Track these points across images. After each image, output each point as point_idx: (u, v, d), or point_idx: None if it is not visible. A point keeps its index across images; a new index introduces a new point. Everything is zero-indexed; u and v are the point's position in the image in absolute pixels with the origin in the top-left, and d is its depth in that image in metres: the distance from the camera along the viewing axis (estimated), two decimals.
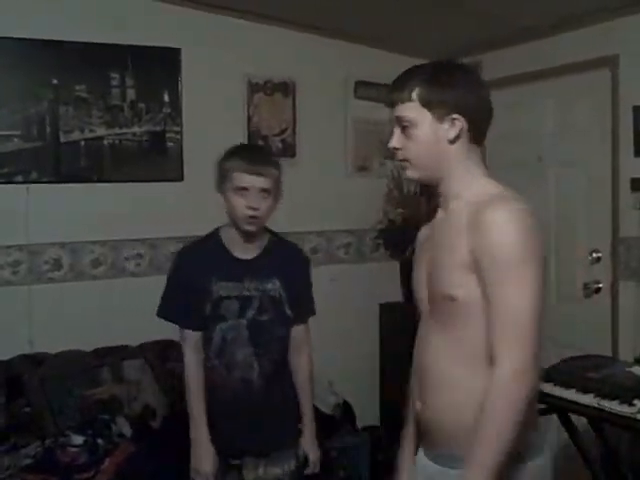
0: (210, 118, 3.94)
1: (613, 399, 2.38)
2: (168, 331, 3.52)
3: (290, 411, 2.53)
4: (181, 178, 3.90)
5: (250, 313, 2.39)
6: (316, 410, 3.62)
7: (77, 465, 3.07)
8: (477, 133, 1.70)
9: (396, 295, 4.48)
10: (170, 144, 3.88)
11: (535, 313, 1.53)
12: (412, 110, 1.68)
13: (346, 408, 3.99)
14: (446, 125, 1.66)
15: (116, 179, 3.76)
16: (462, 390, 1.64)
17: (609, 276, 3.51)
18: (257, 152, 2.47)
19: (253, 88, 4.12)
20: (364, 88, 4.45)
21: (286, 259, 2.49)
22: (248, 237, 2.41)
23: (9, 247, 3.53)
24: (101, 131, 3.71)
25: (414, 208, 4.30)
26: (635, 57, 3.32)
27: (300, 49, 4.20)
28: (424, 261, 1.78)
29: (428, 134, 1.68)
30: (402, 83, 1.70)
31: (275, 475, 2.46)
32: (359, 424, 4.10)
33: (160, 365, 3.55)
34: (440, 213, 1.78)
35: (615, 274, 3.48)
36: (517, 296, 1.53)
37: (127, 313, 3.65)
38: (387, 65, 4.41)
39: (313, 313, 2.60)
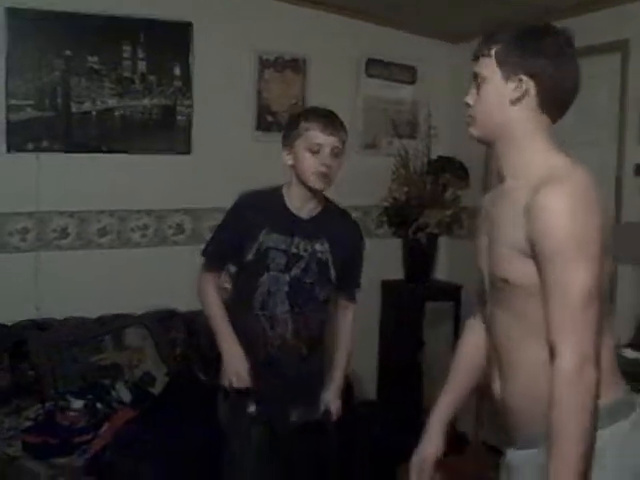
0: (220, 93, 3.99)
1: None
2: (170, 301, 3.67)
3: (322, 373, 2.65)
4: (189, 151, 3.96)
5: (295, 271, 2.47)
6: None
7: (76, 428, 3.19)
8: (548, 103, 1.63)
9: (398, 273, 4.55)
10: (180, 117, 3.94)
11: (593, 298, 1.49)
12: (487, 66, 1.66)
13: (344, 383, 4.07)
14: (512, 85, 1.62)
15: (125, 150, 3.83)
16: (539, 360, 1.57)
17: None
18: (331, 113, 2.54)
19: (264, 64, 4.16)
20: (376, 66, 4.48)
21: (339, 225, 2.58)
22: (311, 195, 2.49)
23: (18, 214, 3.62)
24: (112, 102, 3.78)
25: (419, 187, 4.36)
26: None
27: (312, 26, 4.22)
28: (483, 238, 1.76)
29: (494, 92, 1.65)
30: (487, 38, 1.67)
31: (305, 418, 2.58)
32: (356, 398, 4.19)
33: (161, 334, 3.65)
34: (499, 187, 1.74)
35: (616, 258, 3.51)
36: (573, 282, 1.48)
37: (131, 282, 3.77)
38: (399, 44, 4.49)
39: (358, 286, 2.72)
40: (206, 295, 2.57)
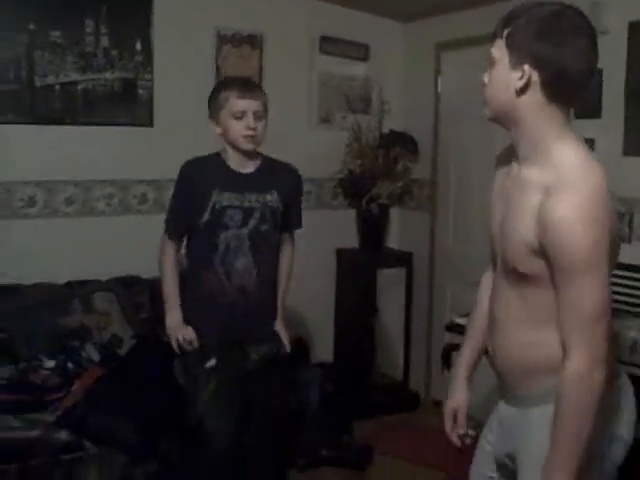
0: (180, 67, 4.12)
1: None
2: (135, 267, 3.80)
3: (274, 312, 2.88)
4: (151, 124, 4.08)
5: (252, 223, 2.68)
6: None
7: (48, 386, 3.33)
8: (556, 92, 1.59)
9: (352, 241, 4.75)
10: (141, 91, 4.06)
11: (604, 307, 1.54)
12: (498, 49, 1.63)
13: (301, 345, 4.26)
14: (517, 74, 1.59)
15: (89, 122, 3.93)
16: (528, 340, 1.69)
17: None
18: (247, 80, 2.80)
19: (222, 39, 4.29)
20: (330, 44, 4.64)
21: (282, 174, 2.82)
22: (246, 156, 2.71)
23: None
24: (75, 76, 3.88)
25: (372, 160, 4.54)
26: None
27: (269, 3, 4.37)
28: (496, 215, 1.76)
29: (500, 78, 1.63)
30: (506, 17, 1.63)
31: (265, 353, 2.80)
32: (313, 360, 4.39)
33: (127, 298, 3.79)
34: (515, 168, 1.73)
35: None
36: (584, 295, 1.53)
37: (98, 249, 3.90)
38: (353, 23, 4.66)
39: (300, 226, 2.97)
40: (163, 264, 2.79)
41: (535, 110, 1.61)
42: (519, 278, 1.68)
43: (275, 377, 2.87)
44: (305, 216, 4.56)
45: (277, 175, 2.78)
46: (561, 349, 1.59)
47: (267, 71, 4.44)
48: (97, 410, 3.20)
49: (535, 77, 1.58)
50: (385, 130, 4.68)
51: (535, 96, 1.60)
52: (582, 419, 1.55)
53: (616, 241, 1.64)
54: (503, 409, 1.85)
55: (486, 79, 1.68)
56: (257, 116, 2.65)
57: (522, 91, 1.60)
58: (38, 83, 3.79)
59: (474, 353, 2.01)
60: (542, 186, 1.57)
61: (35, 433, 3.06)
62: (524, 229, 1.60)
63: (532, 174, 1.63)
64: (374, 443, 4.01)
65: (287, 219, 2.84)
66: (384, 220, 4.76)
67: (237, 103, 2.63)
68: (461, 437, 2.00)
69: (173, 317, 2.76)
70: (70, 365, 3.42)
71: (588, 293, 1.53)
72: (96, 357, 3.52)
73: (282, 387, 3.01)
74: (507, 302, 1.76)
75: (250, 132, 2.64)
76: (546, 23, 1.57)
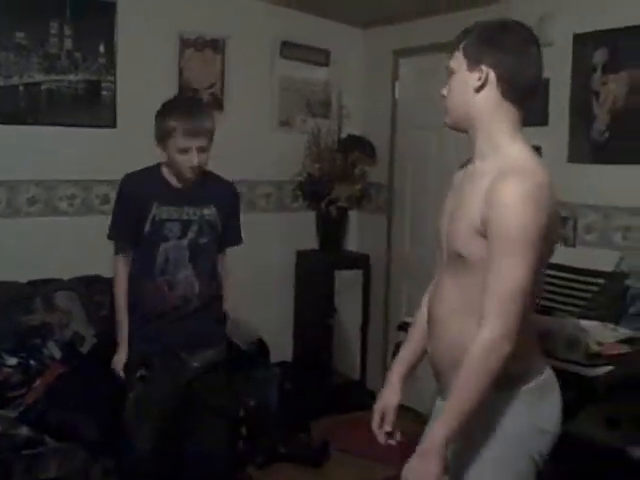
0: (143, 70, 4.17)
1: None
2: (96, 267, 3.85)
3: (220, 316, 2.93)
4: (114, 125, 4.13)
5: (190, 235, 2.73)
6: (233, 346, 4.02)
7: (10, 383, 3.37)
8: (510, 91, 1.76)
9: (312, 243, 4.86)
10: (104, 93, 4.11)
11: (525, 287, 1.65)
12: (455, 60, 1.80)
13: (261, 345, 4.34)
14: (476, 75, 1.76)
15: (52, 122, 3.97)
16: (460, 334, 1.77)
17: None
18: (194, 111, 2.68)
19: (185, 43, 4.37)
20: (290, 48, 4.74)
21: (220, 189, 2.85)
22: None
23: None
24: (39, 77, 3.91)
25: (331, 163, 4.65)
26: None
27: (231, 8, 4.45)
28: (445, 213, 1.89)
29: (460, 82, 1.79)
30: (460, 35, 1.81)
31: (210, 359, 2.83)
32: (273, 359, 4.47)
33: (89, 297, 3.85)
34: (470, 167, 1.87)
35: None
36: (511, 270, 1.64)
37: (60, 249, 3.93)
38: (312, 28, 4.77)
39: (241, 242, 2.98)
40: (115, 287, 2.84)
41: (491, 106, 1.77)
42: (459, 265, 1.79)
43: (220, 380, 2.91)
44: (266, 218, 4.75)
45: (215, 190, 2.81)
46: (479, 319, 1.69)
47: (229, 75, 4.52)
48: (58, 406, 3.26)
49: (491, 75, 1.75)
50: (344, 134, 4.80)
51: (491, 92, 1.77)
52: (481, 383, 1.66)
53: (553, 239, 1.77)
54: (440, 406, 1.92)
55: (445, 91, 1.85)
56: (201, 149, 2.65)
57: (480, 88, 1.77)
58: (2, 83, 3.82)
59: (411, 355, 2.09)
60: (492, 172, 1.71)
61: None
62: (472, 211, 1.73)
63: (485, 166, 1.78)
64: (331, 440, 4.11)
65: (226, 234, 2.86)
66: (343, 223, 4.87)
67: (181, 141, 2.61)
68: (387, 435, 2.06)
69: (121, 356, 2.82)
70: (32, 362, 3.46)
71: (512, 271, 1.65)
72: (58, 355, 3.56)
73: (230, 389, 3.05)
74: (446, 296, 1.86)
75: (194, 165, 2.65)
76: (497, 32, 1.78)
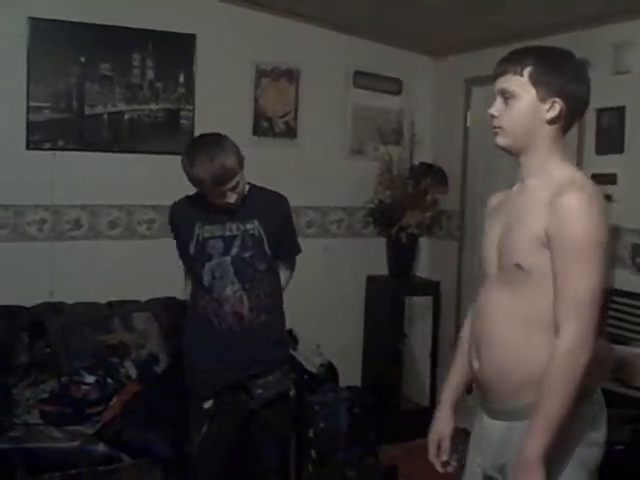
0: (220, 99, 4.30)
1: None
2: (172, 289, 3.96)
3: (278, 337, 2.87)
4: None
5: (234, 250, 2.72)
6: (303, 368, 4.06)
7: (88, 400, 3.50)
8: (571, 120, 1.84)
9: (382, 269, 4.88)
10: (183, 121, 4.27)
11: (596, 292, 1.71)
12: (519, 85, 1.81)
13: (330, 368, 4.37)
14: (547, 105, 1.79)
15: (133, 150, 4.15)
16: (519, 347, 1.81)
17: None
18: (213, 161, 2.56)
19: (261, 73, 4.50)
20: (362, 78, 4.81)
21: (264, 202, 2.80)
22: None
23: (36, 207, 3.94)
24: (122, 106, 4.11)
25: (402, 190, 4.69)
26: (602, 65, 3.68)
27: (306, 40, 4.56)
28: (496, 227, 1.93)
29: (527, 109, 1.81)
30: (518, 58, 1.84)
31: (273, 384, 2.79)
32: (341, 383, 4.49)
33: (165, 318, 3.97)
34: (517, 187, 1.93)
35: None
36: (582, 277, 1.70)
37: (138, 271, 4.08)
38: (385, 57, 4.84)
39: (299, 251, 2.98)
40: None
41: (553, 137, 1.84)
42: (518, 278, 1.81)
43: (283, 408, 2.87)
44: (337, 243, 4.81)
45: (259, 204, 2.77)
46: (555, 330, 1.73)
47: (303, 104, 4.63)
48: (134, 424, 3.35)
49: (563, 108, 1.80)
50: (415, 162, 4.82)
51: (558, 124, 1.83)
52: (564, 393, 1.69)
53: (611, 249, 1.85)
54: (488, 424, 1.93)
55: (496, 112, 1.86)
56: (234, 188, 2.63)
57: (553, 121, 1.82)
58: (87, 112, 4.02)
59: (460, 380, 2.12)
60: (552, 187, 1.78)
61: (75, 444, 3.23)
62: (533, 223, 1.78)
63: (541, 181, 1.84)
64: (399, 466, 4.10)
65: (278, 248, 2.82)
66: (413, 249, 4.88)
67: (212, 189, 2.61)
68: (444, 464, 2.08)
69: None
70: (109, 381, 3.59)
71: (584, 278, 1.71)
72: (134, 374, 3.68)
73: (291, 418, 3.02)
74: (501, 311, 1.87)
75: (230, 203, 2.66)
76: (563, 61, 1.84)
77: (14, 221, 3.92)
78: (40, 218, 3.96)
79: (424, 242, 5.03)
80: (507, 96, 1.84)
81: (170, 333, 3.93)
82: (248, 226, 2.74)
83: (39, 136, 3.92)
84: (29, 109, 3.88)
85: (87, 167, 4.02)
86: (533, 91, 1.80)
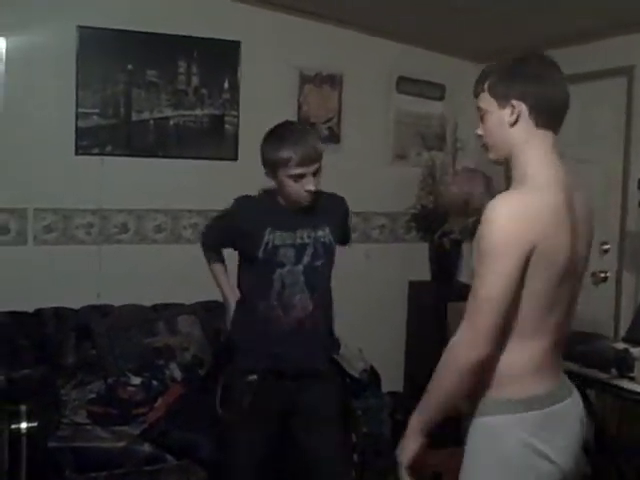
0: (264, 104, 4.32)
1: (594, 367, 2.77)
2: (215, 293, 4.00)
3: (327, 342, 2.85)
4: (236, 158, 4.33)
5: (306, 259, 2.68)
6: (346, 373, 4.06)
7: (134, 401, 3.57)
8: (542, 117, 1.80)
9: (425, 274, 4.88)
10: (228, 127, 4.32)
11: (494, 307, 1.69)
12: (484, 101, 1.87)
13: (373, 374, 4.34)
14: (508, 110, 1.81)
15: (179, 155, 4.22)
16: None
17: (615, 266, 3.86)
18: (307, 139, 2.59)
19: (304, 79, 4.54)
20: (406, 83, 4.82)
21: (332, 208, 2.77)
22: None
23: (84, 211, 4.03)
24: (168, 112, 4.18)
25: (445, 196, 4.68)
26: None
27: (348, 45, 4.57)
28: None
29: (495, 120, 1.84)
30: (481, 76, 1.89)
31: (324, 393, 2.78)
32: (383, 389, 4.49)
33: (209, 322, 4.00)
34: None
35: (621, 265, 3.83)
36: (483, 284, 1.71)
37: (182, 275, 4.09)
38: (428, 63, 4.84)
39: (350, 241, 3.00)
40: (211, 268, 3.01)
41: (526, 136, 1.82)
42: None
43: (326, 388, 2.81)
44: (379, 248, 4.82)
45: (327, 209, 2.74)
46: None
47: (346, 109, 4.64)
48: (178, 426, 3.40)
49: (523, 107, 1.80)
50: (458, 167, 4.81)
51: (525, 123, 1.81)
52: (443, 381, 1.81)
53: (557, 260, 1.74)
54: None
55: (480, 131, 1.91)
56: (315, 173, 2.59)
57: (515, 123, 1.82)
58: (134, 118, 4.10)
59: None
60: None
61: (121, 444, 3.28)
62: None
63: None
64: (442, 472, 4.08)
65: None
66: (456, 254, 4.87)
67: (298, 169, 2.54)
68: None
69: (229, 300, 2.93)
70: (155, 382, 3.64)
71: (484, 284, 1.71)
72: (178, 376, 3.74)
73: (337, 398, 2.92)
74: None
75: (308, 192, 2.60)
76: (516, 66, 1.84)
77: (63, 225, 4.00)
78: (88, 222, 4.04)
79: (467, 247, 4.99)
80: (481, 114, 1.89)
81: (214, 336, 3.97)
82: (319, 233, 2.71)
83: (87, 142, 4.01)
84: (78, 115, 3.97)
85: (134, 172, 4.10)
86: (494, 102, 1.84)
